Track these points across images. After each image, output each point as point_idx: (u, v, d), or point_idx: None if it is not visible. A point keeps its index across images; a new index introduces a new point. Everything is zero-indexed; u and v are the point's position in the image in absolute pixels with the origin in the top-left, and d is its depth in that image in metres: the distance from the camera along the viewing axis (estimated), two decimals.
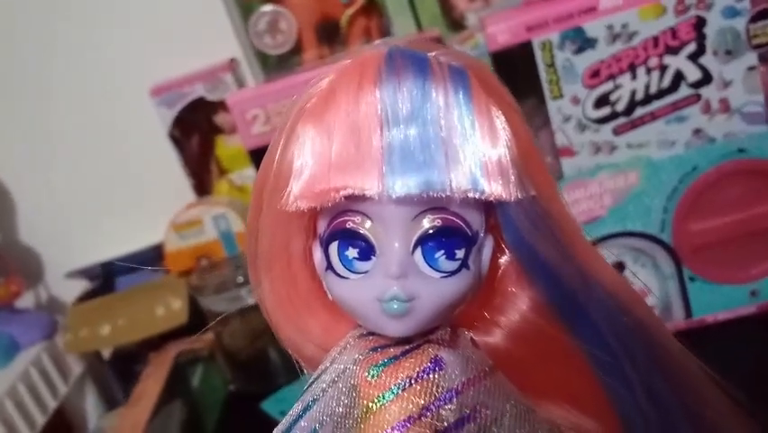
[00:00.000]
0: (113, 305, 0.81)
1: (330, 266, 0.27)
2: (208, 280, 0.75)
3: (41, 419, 0.74)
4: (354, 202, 0.25)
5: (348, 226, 0.26)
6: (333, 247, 0.26)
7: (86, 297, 0.85)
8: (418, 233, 0.26)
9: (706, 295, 0.59)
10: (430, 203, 0.25)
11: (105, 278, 0.89)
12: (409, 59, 0.26)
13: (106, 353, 0.87)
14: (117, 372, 0.85)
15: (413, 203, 0.25)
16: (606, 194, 0.57)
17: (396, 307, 0.25)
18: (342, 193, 0.25)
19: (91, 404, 0.86)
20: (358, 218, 0.26)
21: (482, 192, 0.25)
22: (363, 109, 0.25)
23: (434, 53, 0.27)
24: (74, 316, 0.81)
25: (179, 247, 0.80)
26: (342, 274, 0.26)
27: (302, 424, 0.27)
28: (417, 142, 0.24)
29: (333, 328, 0.30)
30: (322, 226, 0.27)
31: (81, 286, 0.89)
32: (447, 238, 0.26)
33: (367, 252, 0.26)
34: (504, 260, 0.29)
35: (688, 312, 0.59)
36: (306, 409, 0.28)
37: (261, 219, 0.29)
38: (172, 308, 0.78)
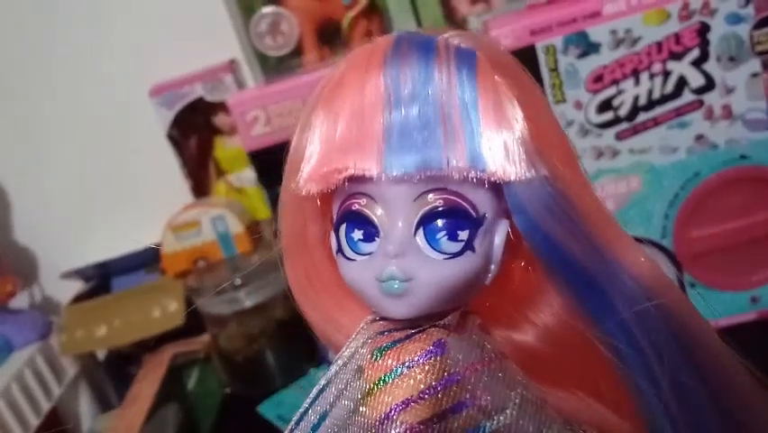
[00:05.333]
0: (108, 306, 0.80)
1: (340, 249, 0.27)
2: (205, 281, 0.75)
3: (34, 421, 0.74)
4: (360, 184, 0.25)
5: (354, 208, 0.26)
6: (342, 230, 0.27)
7: (82, 298, 0.85)
8: (420, 213, 0.25)
9: (706, 301, 0.58)
10: (431, 183, 0.25)
11: (100, 279, 0.88)
12: (415, 43, 0.26)
13: (101, 354, 0.86)
14: (112, 373, 0.84)
15: (414, 183, 0.25)
16: (607, 199, 0.57)
17: (395, 286, 0.25)
18: (344, 174, 0.25)
19: (85, 406, 0.85)
20: (363, 200, 0.26)
21: (483, 171, 0.24)
22: (368, 93, 0.25)
23: (445, 35, 0.27)
24: (69, 316, 0.80)
25: (176, 249, 0.79)
26: (349, 256, 0.27)
27: (317, 407, 0.28)
28: (417, 121, 0.24)
29: (361, 319, 0.30)
30: (335, 211, 0.27)
31: (76, 287, 0.88)
32: (449, 219, 0.25)
33: (371, 233, 0.26)
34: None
35: None
36: (320, 391, 0.28)
37: (280, 204, 0.30)
38: (168, 310, 0.77)
